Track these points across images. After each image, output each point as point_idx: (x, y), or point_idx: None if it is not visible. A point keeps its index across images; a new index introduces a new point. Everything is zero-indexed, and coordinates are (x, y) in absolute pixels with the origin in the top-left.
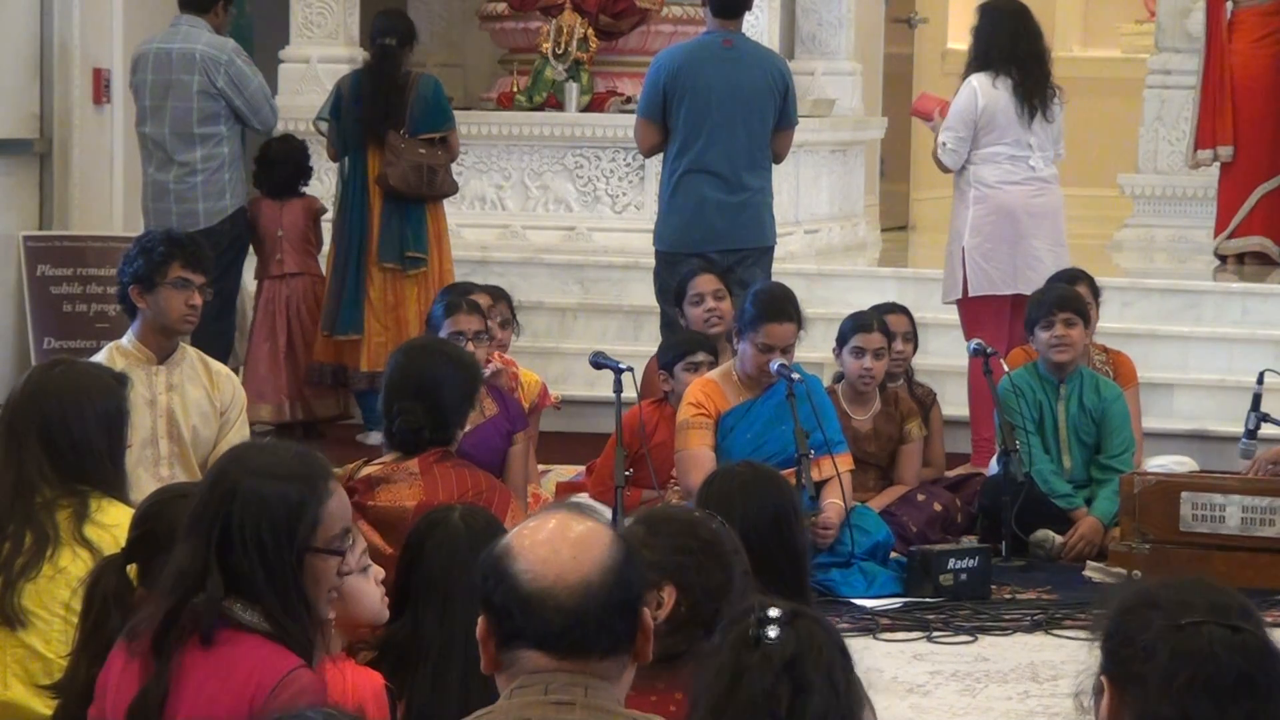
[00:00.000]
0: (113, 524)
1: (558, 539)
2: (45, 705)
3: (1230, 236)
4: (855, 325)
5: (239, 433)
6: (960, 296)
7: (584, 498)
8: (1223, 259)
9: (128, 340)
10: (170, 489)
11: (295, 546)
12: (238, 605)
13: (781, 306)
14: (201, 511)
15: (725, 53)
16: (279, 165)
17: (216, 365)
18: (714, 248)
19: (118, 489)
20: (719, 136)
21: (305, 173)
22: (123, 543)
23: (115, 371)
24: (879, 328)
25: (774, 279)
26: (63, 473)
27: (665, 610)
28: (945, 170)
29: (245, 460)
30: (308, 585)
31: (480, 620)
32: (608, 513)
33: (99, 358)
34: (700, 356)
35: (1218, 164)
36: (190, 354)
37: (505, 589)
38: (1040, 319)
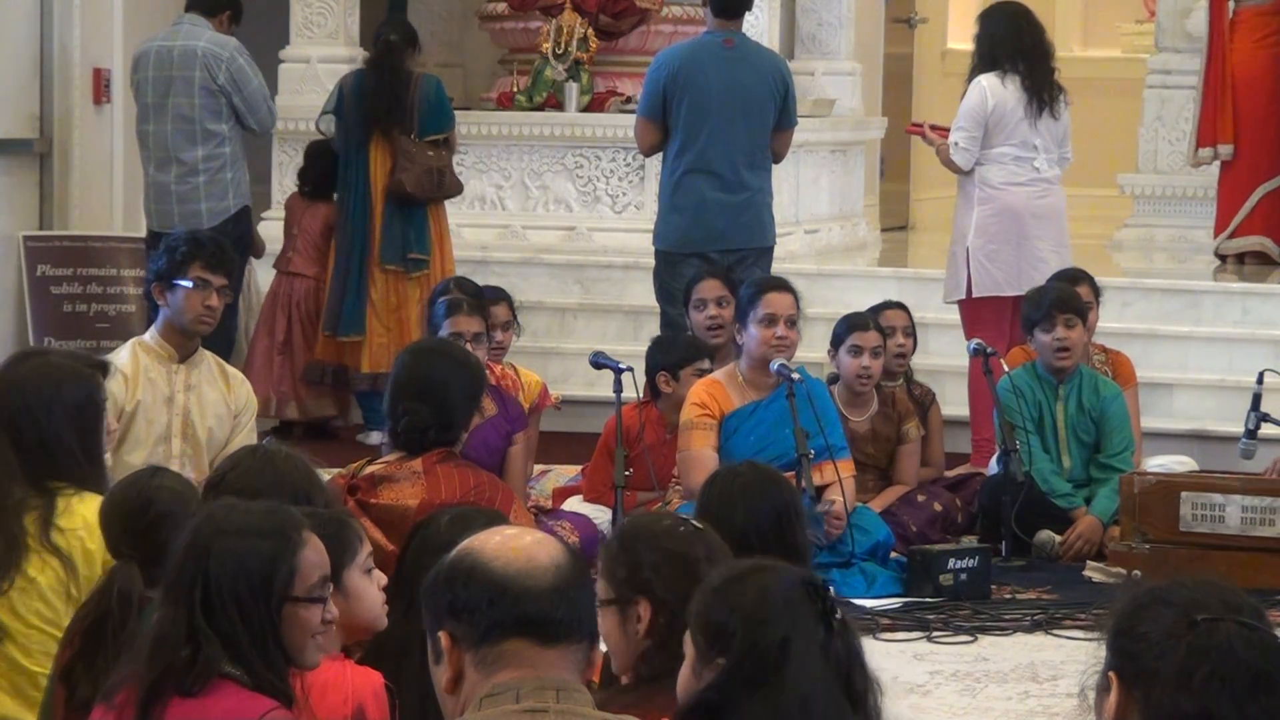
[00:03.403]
0: (76, 527)
1: (513, 538)
2: (34, 716)
3: (1231, 236)
4: (851, 325)
5: (247, 437)
6: (964, 297)
7: (578, 500)
8: (1223, 259)
9: (150, 336)
10: (138, 479)
11: (273, 600)
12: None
13: (777, 279)
14: (179, 576)
15: (726, 53)
16: (314, 165)
17: (231, 369)
18: (714, 248)
19: (93, 483)
20: (719, 137)
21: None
22: (90, 545)
23: (96, 359)
24: (874, 326)
25: (784, 278)
26: (33, 470)
27: (644, 624)
28: (957, 171)
29: (216, 520)
30: (292, 635)
31: (442, 635)
32: (603, 515)
33: (123, 352)
34: (706, 364)
35: (1217, 164)
36: (207, 356)
37: (476, 583)
38: (1040, 320)
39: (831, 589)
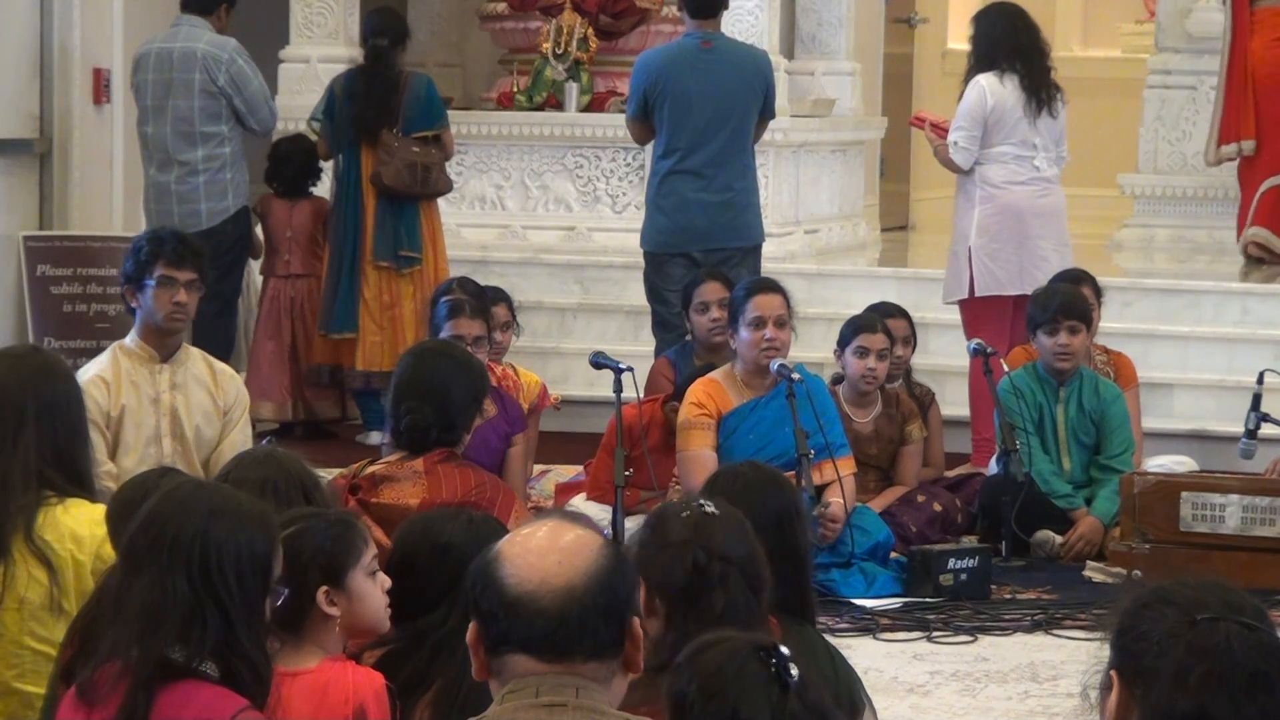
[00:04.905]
0: (63, 538)
1: (546, 545)
2: None
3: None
4: (859, 326)
5: (241, 433)
6: (966, 296)
7: (581, 499)
8: (1247, 254)
9: (130, 340)
10: (146, 479)
11: (268, 584)
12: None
13: (765, 281)
14: (169, 549)
15: (704, 54)
16: (287, 163)
17: (220, 365)
18: (697, 247)
19: (80, 489)
20: (701, 139)
21: (314, 172)
22: (80, 557)
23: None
24: (882, 328)
25: (773, 279)
26: (45, 466)
27: (641, 607)
28: (956, 170)
29: (204, 499)
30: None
31: (471, 626)
32: (606, 514)
33: (103, 358)
34: None
35: (1231, 164)
36: (194, 354)
37: (491, 594)
38: (1044, 323)
39: (786, 651)
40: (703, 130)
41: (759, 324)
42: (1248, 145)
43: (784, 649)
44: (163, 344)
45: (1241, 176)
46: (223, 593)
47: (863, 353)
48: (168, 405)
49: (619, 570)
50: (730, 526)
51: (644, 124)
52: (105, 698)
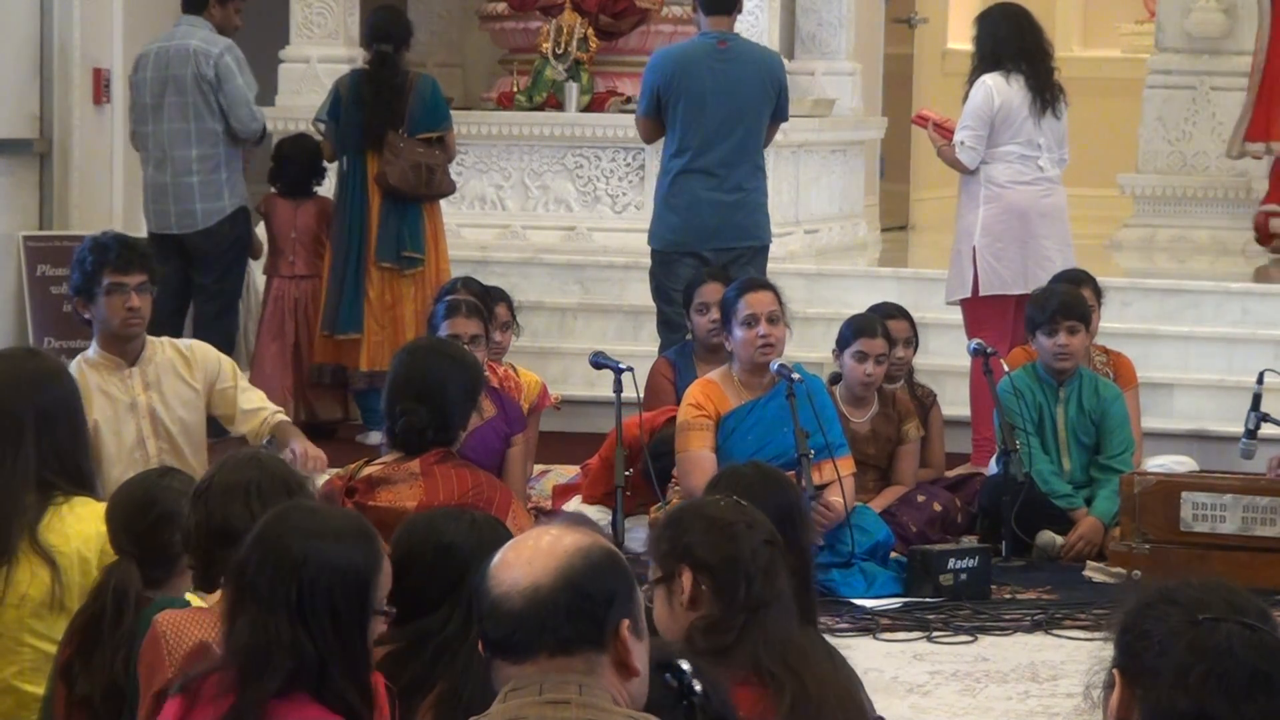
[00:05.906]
0: (69, 536)
1: (530, 548)
2: None
3: None
4: (858, 329)
5: (247, 395)
6: (969, 296)
7: (576, 501)
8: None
9: (93, 351)
10: (146, 478)
11: (368, 609)
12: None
13: (754, 279)
14: (268, 580)
15: (720, 54)
16: (291, 163)
17: (187, 342)
18: (707, 246)
19: (86, 486)
20: (714, 138)
21: (318, 172)
22: (87, 554)
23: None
24: (882, 332)
25: (773, 279)
26: (47, 471)
27: (685, 594)
28: (960, 170)
29: (304, 524)
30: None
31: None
32: (605, 516)
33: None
34: None
35: (1235, 162)
36: (160, 345)
37: (479, 598)
38: (1043, 324)
39: (687, 666)
40: (716, 130)
41: (752, 321)
42: (1277, 146)
43: (685, 664)
44: (125, 349)
45: (1275, 173)
46: (315, 629)
47: (861, 357)
48: (145, 407)
49: (597, 571)
50: (762, 518)
51: (654, 122)
52: (210, 702)
